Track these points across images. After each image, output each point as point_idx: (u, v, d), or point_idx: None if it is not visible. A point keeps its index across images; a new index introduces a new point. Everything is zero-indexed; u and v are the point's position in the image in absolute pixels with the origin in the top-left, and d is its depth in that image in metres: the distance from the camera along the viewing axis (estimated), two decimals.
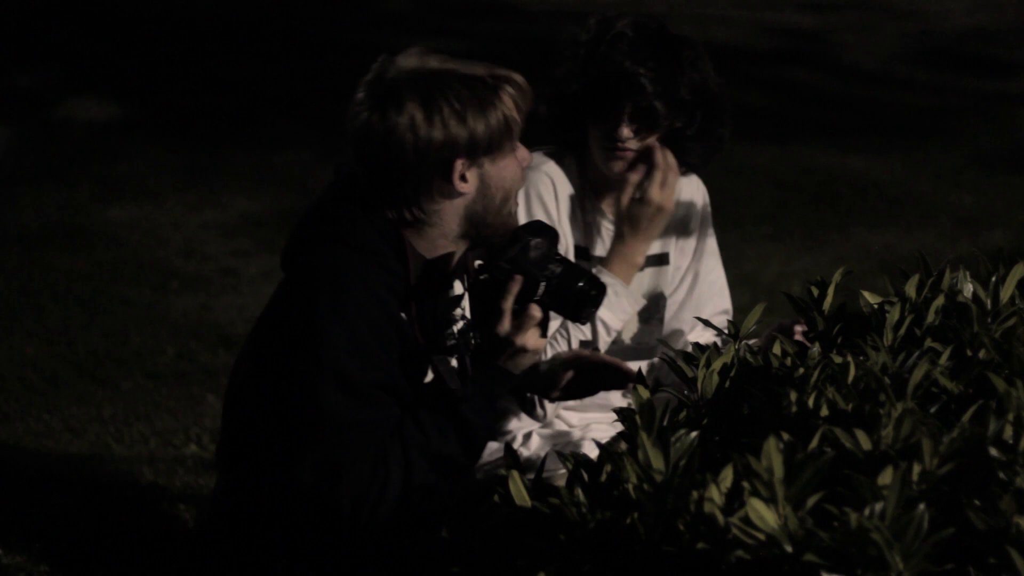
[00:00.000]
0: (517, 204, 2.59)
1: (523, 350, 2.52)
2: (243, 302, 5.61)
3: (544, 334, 2.56)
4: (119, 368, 5.02)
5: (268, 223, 6.68)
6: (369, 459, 2.42)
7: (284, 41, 10.12)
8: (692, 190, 3.20)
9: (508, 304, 2.52)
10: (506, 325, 2.51)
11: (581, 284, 2.57)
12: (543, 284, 2.56)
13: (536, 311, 2.51)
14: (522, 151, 2.57)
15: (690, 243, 3.21)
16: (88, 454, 4.36)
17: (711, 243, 3.24)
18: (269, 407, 2.49)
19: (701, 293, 3.21)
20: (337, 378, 2.41)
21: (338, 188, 2.60)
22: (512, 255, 2.56)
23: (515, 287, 2.52)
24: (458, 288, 2.66)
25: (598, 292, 2.59)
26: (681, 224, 3.19)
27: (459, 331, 2.60)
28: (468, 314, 2.67)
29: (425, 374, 2.56)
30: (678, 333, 3.21)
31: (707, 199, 3.23)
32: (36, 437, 4.48)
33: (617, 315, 2.99)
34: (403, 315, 2.51)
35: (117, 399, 4.78)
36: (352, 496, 2.42)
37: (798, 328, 2.70)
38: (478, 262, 2.67)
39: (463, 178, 2.49)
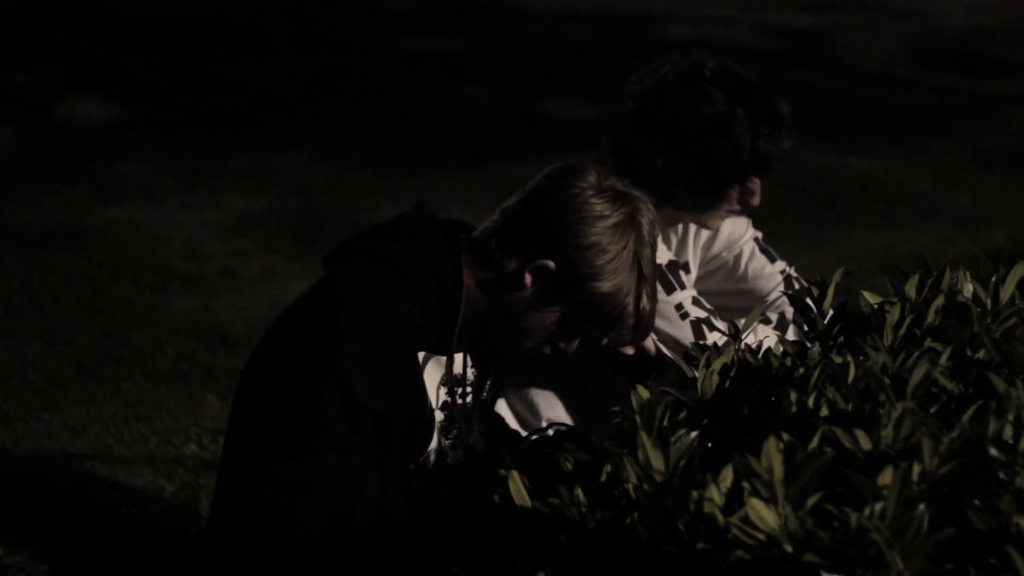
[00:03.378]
0: (531, 351, 2.57)
1: None
2: (243, 302, 5.61)
3: None
4: (119, 368, 5.02)
5: (268, 223, 6.68)
6: (340, 488, 2.42)
7: (284, 41, 10.12)
8: (741, 228, 3.21)
9: None
10: None
11: None
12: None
13: None
14: (573, 344, 2.56)
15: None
16: (88, 454, 4.36)
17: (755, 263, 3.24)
18: (269, 402, 2.49)
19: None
20: (340, 390, 2.40)
21: (422, 215, 2.59)
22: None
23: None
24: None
25: None
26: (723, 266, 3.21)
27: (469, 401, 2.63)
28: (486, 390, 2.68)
29: (425, 422, 2.55)
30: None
31: (749, 234, 3.22)
32: (36, 437, 4.48)
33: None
34: (421, 356, 2.51)
35: (117, 399, 4.77)
36: (311, 518, 2.41)
37: None
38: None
39: (536, 276, 2.47)
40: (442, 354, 2.54)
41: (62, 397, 4.78)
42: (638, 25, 10.54)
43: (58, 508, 3.96)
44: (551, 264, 2.45)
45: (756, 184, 2.97)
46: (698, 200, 2.95)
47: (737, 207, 3.01)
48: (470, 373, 2.61)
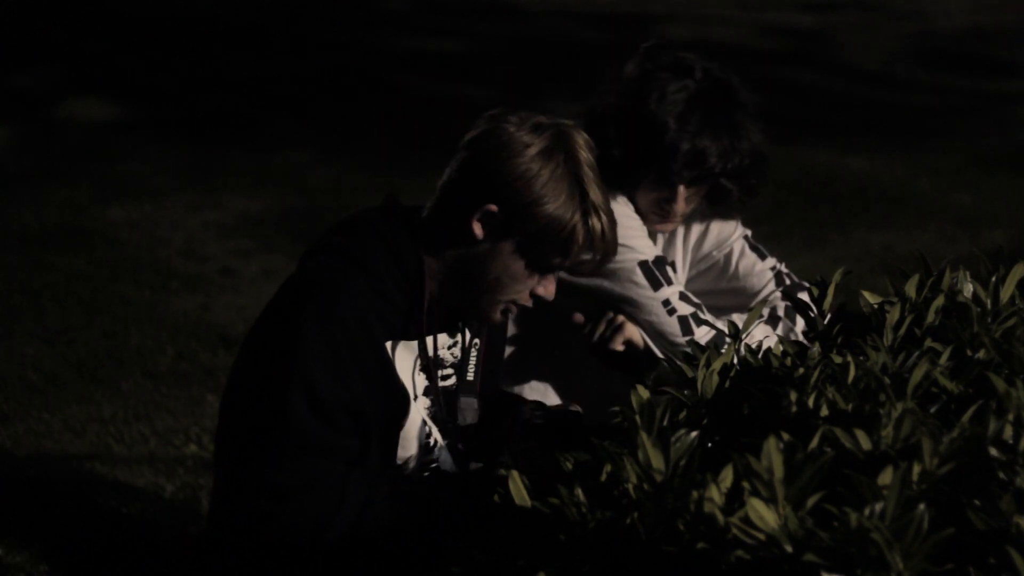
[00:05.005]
0: (511, 308, 2.57)
1: None
2: (243, 302, 5.61)
3: None
4: (119, 368, 5.02)
5: (268, 223, 6.68)
6: (319, 493, 2.43)
7: (284, 41, 10.12)
8: (730, 227, 3.21)
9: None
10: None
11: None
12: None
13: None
14: (547, 285, 2.56)
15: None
16: (88, 454, 4.36)
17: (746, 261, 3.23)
18: (243, 407, 2.51)
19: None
20: (306, 390, 2.41)
21: (385, 206, 2.60)
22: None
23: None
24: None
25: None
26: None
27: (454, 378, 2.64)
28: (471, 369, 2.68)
29: (401, 409, 2.56)
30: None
31: (739, 232, 3.22)
32: (36, 437, 4.48)
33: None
34: (388, 345, 2.52)
35: (117, 399, 4.78)
36: (292, 522, 2.42)
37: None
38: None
39: (485, 224, 2.49)
40: (413, 339, 2.55)
41: (62, 397, 4.78)
42: (638, 25, 10.54)
43: (58, 508, 3.96)
44: (493, 207, 2.48)
45: (680, 188, 2.95)
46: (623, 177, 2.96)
47: (660, 207, 2.98)
48: (447, 354, 2.61)
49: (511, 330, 3.01)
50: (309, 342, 2.41)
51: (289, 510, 2.42)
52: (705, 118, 2.91)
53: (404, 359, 2.56)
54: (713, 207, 3.09)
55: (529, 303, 2.58)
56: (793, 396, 2.09)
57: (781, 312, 3.09)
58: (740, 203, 3.05)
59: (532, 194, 2.47)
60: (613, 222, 2.56)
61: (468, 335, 2.67)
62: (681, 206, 2.95)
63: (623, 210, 2.94)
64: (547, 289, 2.57)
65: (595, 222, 2.52)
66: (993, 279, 2.41)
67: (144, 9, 10.72)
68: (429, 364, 2.58)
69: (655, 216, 3.00)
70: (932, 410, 2.07)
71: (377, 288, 2.49)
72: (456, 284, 2.54)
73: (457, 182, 2.53)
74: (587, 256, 2.55)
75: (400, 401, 2.53)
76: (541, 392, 3.08)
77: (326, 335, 2.42)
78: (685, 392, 2.25)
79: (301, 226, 6.53)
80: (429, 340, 2.58)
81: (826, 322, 2.43)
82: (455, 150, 2.57)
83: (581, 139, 2.54)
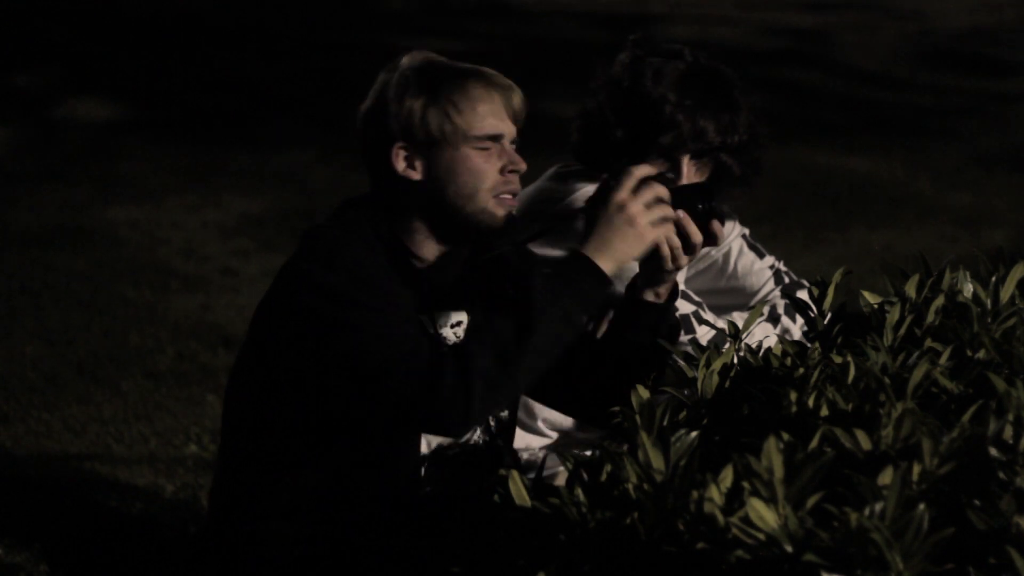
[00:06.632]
0: (502, 198, 2.55)
1: (631, 224, 2.45)
2: (243, 302, 5.61)
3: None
4: (119, 368, 5.02)
5: (268, 223, 6.68)
6: (437, 362, 2.37)
7: (285, 41, 10.12)
8: (728, 227, 3.20)
9: (639, 171, 2.46)
10: (623, 191, 2.44)
11: (701, 207, 2.53)
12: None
13: (662, 189, 2.44)
14: (505, 154, 2.54)
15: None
16: (88, 454, 4.36)
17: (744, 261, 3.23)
18: (274, 391, 2.49)
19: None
20: (342, 304, 2.40)
21: (344, 202, 2.61)
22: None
23: (652, 166, 2.48)
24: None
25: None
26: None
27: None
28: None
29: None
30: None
31: (737, 231, 3.22)
32: (36, 437, 4.48)
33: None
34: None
35: (117, 399, 4.78)
36: (442, 397, 2.35)
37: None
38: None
39: (410, 165, 2.51)
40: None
41: (62, 397, 4.78)
42: (638, 25, 10.53)
43: (58, 508, 3.96)
44: (399, 144, 2.50)
45: (684, 162, 2.95)
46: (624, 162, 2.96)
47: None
48: (450, 333, 2.59)
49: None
50: (325, 273, 2.41)
51: (441, 369, 2.36)
52: (703, 93, 2.94)
53: None
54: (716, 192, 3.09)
55: (515, 185, 2.55)
56: (793, 396, 2.09)
57: (781, 311, 3.09)
58: (743, 181, 3.05)
59: (401, 106, 2.50)
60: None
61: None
62: (685, 182, 2.95)
63: None
64: (512, 158, 2.54)
65: (438, 58, 2.56)
66: (993, 279, 2.41)
67: (144, 9, 10.72)
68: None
69: None
70: (932, 410, 2.07)
71: (371, 248, 2.49)
72: (436, 220, 2.53)
73: (367, 147, 2.55)
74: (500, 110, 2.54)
75: (417, 322, 2.52)
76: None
77: (338, 265, 2.42)
78: (685, 392, 2.25)
79: (301, 226, 6.49)
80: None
81: (826, 322, 2.43)
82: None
83: (411, 57, 2.57)
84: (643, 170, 2.48)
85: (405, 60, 2.56)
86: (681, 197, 2.51)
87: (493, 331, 2.39)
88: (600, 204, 2.48)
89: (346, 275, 2.41)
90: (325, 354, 2.40)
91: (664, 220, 2.47)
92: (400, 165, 2.51)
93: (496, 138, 2.52)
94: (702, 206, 2.51)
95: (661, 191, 2.47)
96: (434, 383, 2.34)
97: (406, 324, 2.42)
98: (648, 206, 2.46)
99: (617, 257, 2.45)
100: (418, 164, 2.51)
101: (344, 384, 2.41)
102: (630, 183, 2.46)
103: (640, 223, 2.46)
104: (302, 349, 2.43)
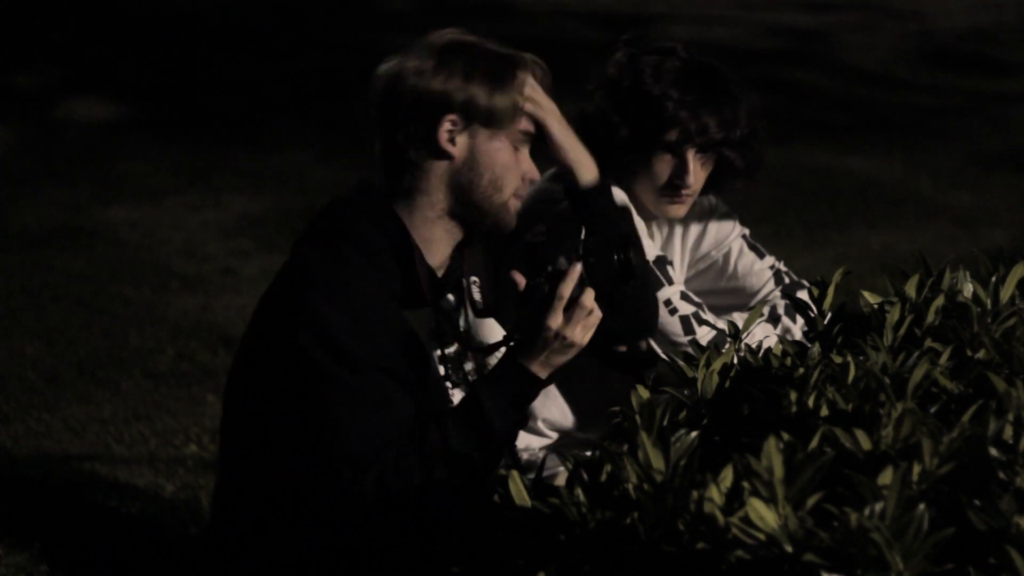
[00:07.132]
0: (515, 199, 2.58)
1: (570, 345, 2.47)
2: (243, 302, 5.61)
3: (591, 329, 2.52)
4: (119, 368, 5.02)
5: (268, 223, 6.68)
6: (385, 451, 2.41)
7: (285, 41, 10.12)
8: (728, 226, 3.20)
9: (565, 292, 2.46)
10: (558, 318, 2.45)
11: (617, 257, 2.52)
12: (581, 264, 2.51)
13: (588, 299, 2.46)
14: (526, 160, 2.56)
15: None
16: (88, 454, 4.36)
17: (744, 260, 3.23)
18: (266, 401, 2.49)
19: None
20: (339, 358, 2.40)
21: (359, 185, 2.61)
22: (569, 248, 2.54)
23: (573, 276, 2.46)
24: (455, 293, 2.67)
25: (628, 256, 2.55)
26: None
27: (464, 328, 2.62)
28: (472, 314, 2.66)
29: (428, 369, 2.56)
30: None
31: (737, 231, 3.22)
32: (36, 437, 4.48)
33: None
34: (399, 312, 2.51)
35: (117, 399, 4.77)
36: (375, 486, 2.40)
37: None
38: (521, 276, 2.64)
39: (451, 140, 2.50)
40: (419, 306, 2.54)
41: (62, 397, 4.78)
42: (638, 25, 10.53)
43: (58, 508, 3.96)
44: (451, 116, 2.49)
45: (689, 157, 2.96)
46: (629, 160, 2.96)
47: (672, 185, 2.98)
48: (468, 369, 2.61)
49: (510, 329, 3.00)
50: (325, 313, 2.40)
51: (376, 472, 2.40)
52: (703, 88, 2.96)
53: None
54: (719, 187, 3.09)
55: (526, 189, 2.58)
56: (793, 396, 2.09)
57: (781, 311, 3.09)
58: (745, 173, 3.06)
59: (469, 80, 2.50)
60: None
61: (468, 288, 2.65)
62: (692, 177, 2.96)
63: None
64: (529, 166, 2.57)
65: (492, 46, 2.59)
66: (993, 279, 2.41)
67: (144, 9, 10.72)
68: (432, 336, 2.59)
69: (666, 199, 3.00)
70: (932, 410, 2.07)
71: (373, 262, 2.49)
72: (459, 209, 2.53)
73: (392, 131, 2.52)
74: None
75: (420, 353, 2.52)
76: (541, 399, 3.08)
77: (340, 303, 2.41)
78: (685, 392, 2.25)
79: (301, 226, 6.51)
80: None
81: (826, 322, 2.43)
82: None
83: (433, 36, 2.62)
84: (568, 287, 2.47)
85: (453, 34, 2.60)
86: (599, 250, 2.51)
87: (446, 441, 2.43)
88: (536, 323, 2.47)
89: (345, 318, 2.40)
90: (304, 391, 2.42)
91: (592, 325, 2.49)
92: (443, 137, 2.50)
93: (529, 137, 2.55)
94: (618, 256, 2.51)
95: (588, 302, 2.46)
96: (371, 482, 2.39)
97: (385, 405, 2.43)
98: (583, 326, 2.47)
99: (554, 366, 2.50)
100: (460, 141, 2.51)
101: (308, 421, 2.44)
102: (561, 307, 2.46)
103: (577, 342, 2.48)
104: (288, 374, 2.45)
